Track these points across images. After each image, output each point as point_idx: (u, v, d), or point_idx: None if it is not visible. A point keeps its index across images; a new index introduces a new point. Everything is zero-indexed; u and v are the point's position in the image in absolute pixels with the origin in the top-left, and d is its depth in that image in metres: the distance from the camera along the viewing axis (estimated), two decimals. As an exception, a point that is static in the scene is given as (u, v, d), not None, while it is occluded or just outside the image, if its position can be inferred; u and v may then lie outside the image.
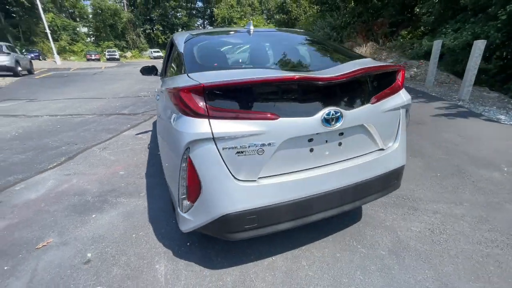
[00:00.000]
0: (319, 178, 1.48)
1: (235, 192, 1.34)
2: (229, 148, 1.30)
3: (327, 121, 1.38)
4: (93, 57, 32.01)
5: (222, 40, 2.42)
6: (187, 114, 1.31)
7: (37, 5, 23.70)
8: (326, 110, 1.38)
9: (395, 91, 1.68)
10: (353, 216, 2.12)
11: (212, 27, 40.41)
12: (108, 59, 33.49)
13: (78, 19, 40.04)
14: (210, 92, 1.28)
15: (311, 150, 1.45)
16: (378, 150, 1.68)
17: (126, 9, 41.36)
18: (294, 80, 1.32)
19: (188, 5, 46.08)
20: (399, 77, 1.73)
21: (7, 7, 35.26)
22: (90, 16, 39.04)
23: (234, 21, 28.29)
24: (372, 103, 1.55)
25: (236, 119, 1.29)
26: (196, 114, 1.28)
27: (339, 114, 1.41)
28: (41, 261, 1.76)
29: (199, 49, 1.91)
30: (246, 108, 1.32)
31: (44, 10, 36.32)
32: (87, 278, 1.62)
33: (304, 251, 1.79)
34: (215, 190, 1.33)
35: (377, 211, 2.19)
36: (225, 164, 1.31)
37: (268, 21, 32.27)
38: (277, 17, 27.27)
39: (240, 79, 1.30)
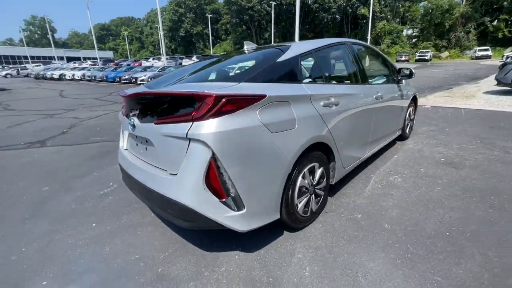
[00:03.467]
0: (135, 166, 1.95)
1: (119, 150, 2.33)
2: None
3: (131, 125, 1.84)
4: (402, 59, 33.02)
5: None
6: None
7: (373, 15, 29.05)
8: (132, 118, 1.83)
9: (184, 120, 1.45)
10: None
11: None
12: (416, 60, 32.88)
13: (407, 23, 42.25)
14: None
15: (136, 144, 1.97)
16: (168, 171, 1.63)
17: (464, 2, 36.04)
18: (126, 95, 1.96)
19: None
20: (202, 106, 1.41)
21: (358, 21, 45.98)
22: (419, 18, 39.35)
23: None
24: (155, 123, 1.60)
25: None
26: None
27: (133, 122, 1.78)
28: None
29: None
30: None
31: (381, 18, 42.32)
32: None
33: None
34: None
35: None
36: (121, 133, 2.35)
37: None
38: None
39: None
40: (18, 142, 4.82)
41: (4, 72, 35.05)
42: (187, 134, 1.43)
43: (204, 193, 1.49)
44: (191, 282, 1.60)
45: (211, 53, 39.48)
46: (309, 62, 2.28)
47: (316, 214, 2.16)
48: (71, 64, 33.67)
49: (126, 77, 20.45)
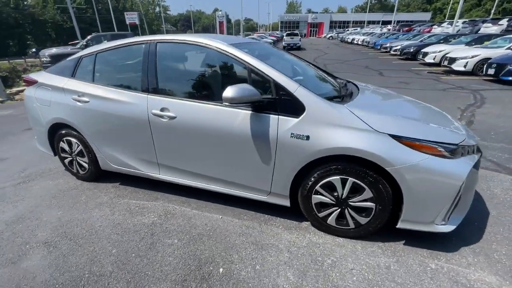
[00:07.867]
0: None
1: None
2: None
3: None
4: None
5: None
6: None
7: None
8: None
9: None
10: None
11: None
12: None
13: None
14: None
15: None
16: None
17: None
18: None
19: None
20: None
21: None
22: None
23: None
24: None
25: None
26: None
27: None
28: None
29: None
30: None
31: None
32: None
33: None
34: None
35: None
36: None
37: None
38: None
39: None
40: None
41: (328, 35, 46.55)
42: None
43: None
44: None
45: None
46: (90, 63, 2.61)
47: (88, 178, 2.84)
48: (366, 29, 36.62)
49: (387, 45, 19.48)
